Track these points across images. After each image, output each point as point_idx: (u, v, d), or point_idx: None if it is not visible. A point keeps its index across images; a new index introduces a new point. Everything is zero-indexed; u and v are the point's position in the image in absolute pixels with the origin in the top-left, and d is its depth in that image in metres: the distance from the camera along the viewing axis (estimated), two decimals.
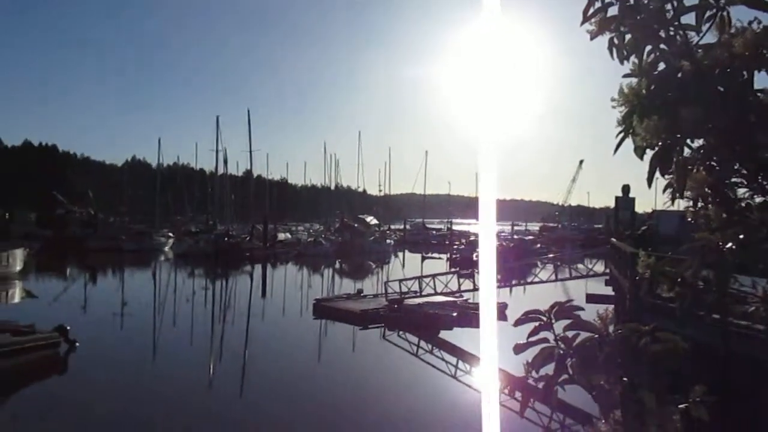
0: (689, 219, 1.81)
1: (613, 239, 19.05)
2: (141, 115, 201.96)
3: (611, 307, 15.39)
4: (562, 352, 1.63)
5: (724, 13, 1.72)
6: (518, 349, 1.93)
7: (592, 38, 1.83)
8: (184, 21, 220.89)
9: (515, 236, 74.46)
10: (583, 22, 1.80)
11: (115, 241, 58.74)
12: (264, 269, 50.00)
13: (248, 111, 65.31)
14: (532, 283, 23.43)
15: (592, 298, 16.51)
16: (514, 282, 26.09)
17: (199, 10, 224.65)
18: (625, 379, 1.53)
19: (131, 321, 24.54)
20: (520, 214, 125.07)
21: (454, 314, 22.67)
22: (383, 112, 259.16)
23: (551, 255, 30.92)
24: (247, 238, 60.93)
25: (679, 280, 1.62)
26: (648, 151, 1.89)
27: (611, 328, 1.58)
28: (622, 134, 1.93)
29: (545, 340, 1.73)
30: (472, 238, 65.23)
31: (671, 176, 1.67)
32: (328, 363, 18.95)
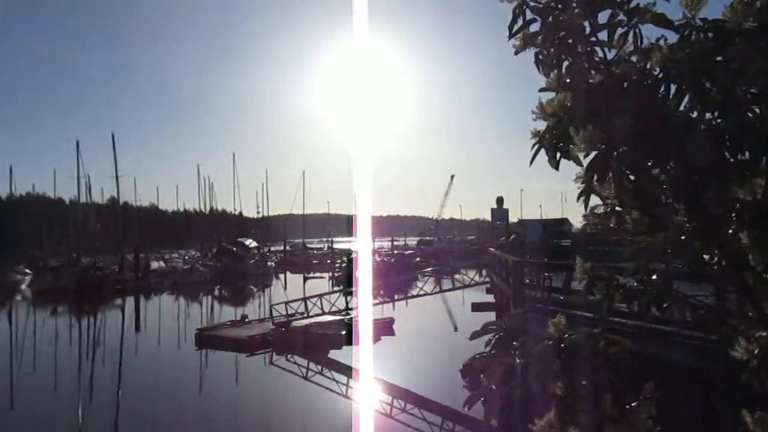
0: (612, 225, 1.90)
1: (491, 248, 20.03)
2: None
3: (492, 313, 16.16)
4: (520, 361, 1.63)
5: (636, 30, 1.84)
6: (474, 336, 2.04)
7: (516, 53, 1.89)
8: (37, 35, 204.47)
9: (395, 251, 75.99)
10: (510, 38, 1.85)
11: None
12: (137, 302, 46.99)
13: (112, 134, 61.77)
14: (417, 296, 23.96)
15: (477, 307, 17.17)
16: (397, 297, 26.60)
17: (55, 23, 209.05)
18: (584, 382, 1.56)
19: None
20: (398, 229, 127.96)
21: (343, 332, 22.61)
22: (258, 132, 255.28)
23: (431, 268, 31.85)
24: (117, 270, 57.12)
25: (614, 283, 1.70)
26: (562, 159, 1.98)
27: (565, 335, 1.61)
28: (537, 145, 2.00)
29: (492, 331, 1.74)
30: (353, 255, 65.74)
31: (604, 183, 1.75)
32: (213, 395, 18.13)
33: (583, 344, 1.49)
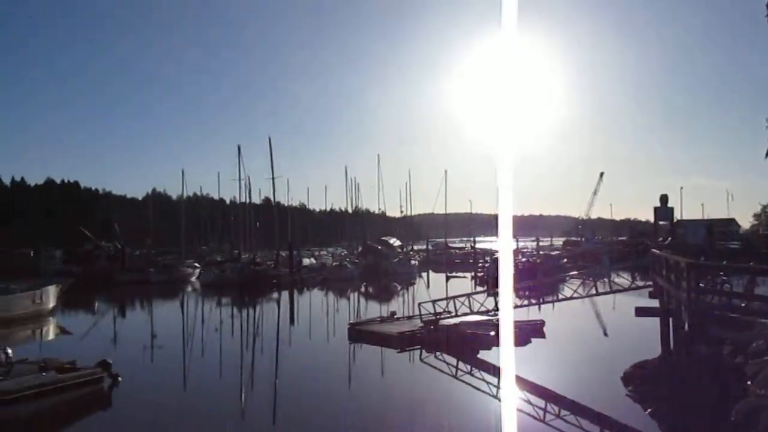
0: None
1: (655, 249, 18.73)
2: (160, 148, 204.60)
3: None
4: None
5: None
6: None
7: None
8: (199, 55, 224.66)
9: (540, 252, 73.83)
10: None
11: (143, 273, 59.18)
12: (291, 296, 49.93)
13: (269, 139, 65.82)
14: (569, 299, 23.00)
15: (641, 312, 16.11)
16: (545, 299, 25.74)
17: (215, 44, 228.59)
18: None
19: (162, 354, 24.48)
20: (542, 229, 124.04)
21: (492, 333, 22.31)
22: (401, 132, 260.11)
23: (580, 270, 30.43)
24: (273, 265, 61.04)
25: None
26: None
27: None
28: None
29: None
30: (496, 255, 64.84)
31: None
32: (365, 388, 18.59)
33: None
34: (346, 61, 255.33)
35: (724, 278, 11.35)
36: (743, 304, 10.72)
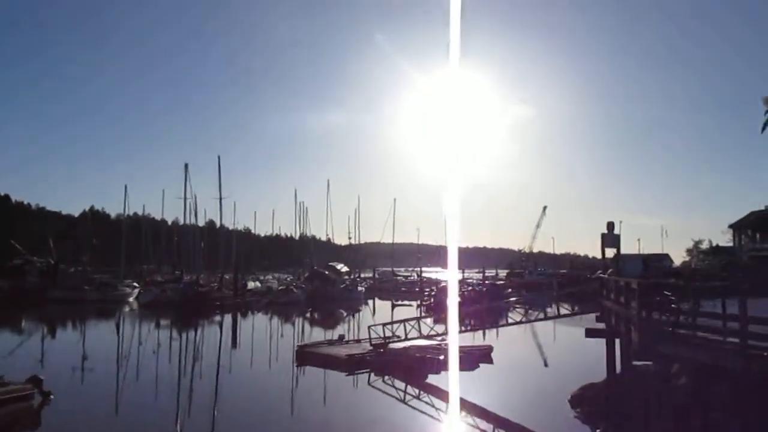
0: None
1: (602, 274, 19.24)
2: (100, 166, 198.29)
3: None
4: None
5: None
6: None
7: None
8: (149, 66, 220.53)
9: (486, 281, 74.80)
10: None
11: (78, 291, 56.67)
12: (235, 318, 48.69)
13: (219, 158, 64.70)
14: (516, 323, 23.26)
15: (591, 333, 16.40)
16: (491, 325, 25.93)
17: (165, 57, 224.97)
18: None
19: (94, 376, 23.16)
20: (485, 261, 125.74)
21: (441, 357, 22.23)
22: (351, 160, 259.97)
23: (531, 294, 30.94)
24: (216, 287, 59.59)
25: None
26: None
27: None
28: None
29: None
30: (443, 284, 65.26)
31: None
32: (315, 410, 18.19)
33: None
34: (298, 84, 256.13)
35: (672, 298, 11.71)
36: (689, 319, 11.05)
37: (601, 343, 16.79)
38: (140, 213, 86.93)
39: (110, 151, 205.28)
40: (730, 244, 57.39)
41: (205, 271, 69.42)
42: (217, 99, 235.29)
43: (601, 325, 17.29)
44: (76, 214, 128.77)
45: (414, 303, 60.41)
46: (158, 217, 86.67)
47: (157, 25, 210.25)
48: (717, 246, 65.31)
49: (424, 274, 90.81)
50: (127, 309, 54.83)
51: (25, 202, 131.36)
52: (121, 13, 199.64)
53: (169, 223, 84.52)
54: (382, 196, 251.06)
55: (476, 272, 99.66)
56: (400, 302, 65.08)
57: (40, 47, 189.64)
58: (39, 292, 55.91)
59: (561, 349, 29.83)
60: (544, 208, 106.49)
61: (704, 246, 73.19)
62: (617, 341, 15.66)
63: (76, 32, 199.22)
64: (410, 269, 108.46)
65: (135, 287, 63.67)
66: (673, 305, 11.58)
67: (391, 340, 24.00)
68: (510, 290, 64.46)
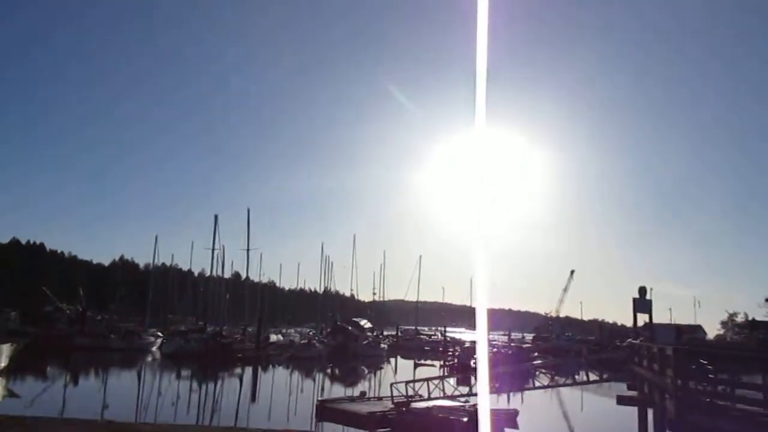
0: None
1: (632, 340, 18.73)
2: (127, 216, 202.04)
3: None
4: None
5: None
6: None
7: None
8: (180, 121, 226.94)
9: (512, 344, 73.38)
10: None
11: (103, 339, 57.04)
12: (255, 371, 48.27)
13: (248, 210, 65.65)
14: (548, 386, 22.58)
15: (623, 400, 15.83)
16: (515, 389, 25.25)
17: (195, 111, 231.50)
18: None
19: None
20: (510, 323, 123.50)
21: (465, 419, 21.61)
22: (378, 216, 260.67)
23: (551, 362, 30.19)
24: (239, 339, 59.43)
25: None
26: None
27: None
28: None
29: None
30: (467, 344, 64.07)
31: None
32: None
33: None
34: (328, 142, 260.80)
35: (709, 367, 11.29)
36: (729, 389, 10.61)
37: (632, 412, 16.21)
38: (168, 263, 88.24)
39: (141, 201, 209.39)
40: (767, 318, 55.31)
41: (229, 322, 69.52)
42: (246, 152, 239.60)
43: (633, 393, 16.70)
44: (107, 263, 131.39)
45: (437, 363, 59.22)
46: (186, 267, 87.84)
47: (186, 78, 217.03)
48: (753, 320, 62.83)
49: (448, 334, 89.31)
50: (149, 358, 54.85)
51: (59, 251, 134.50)
52: (151, 67, 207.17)
53: (196, 273, 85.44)
54: (408, 253, 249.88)
55: (501, 334, 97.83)
56: (422, 362, 63.92)
57: (70, 102, 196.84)
58: (66, 339, 56.41)
59: (589, 417, 28.79)
60: (572, 272, 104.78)
61: (739, 319, 70.85)
62: (650, 411, 15.08)
63: (105, 88, 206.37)
64: (434, 328, 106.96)
65: (159, 336, 63.90)
66: (710, 375, 11.17)
67: (413, 399, 23.46)
68: (536, 354, 63.05)
